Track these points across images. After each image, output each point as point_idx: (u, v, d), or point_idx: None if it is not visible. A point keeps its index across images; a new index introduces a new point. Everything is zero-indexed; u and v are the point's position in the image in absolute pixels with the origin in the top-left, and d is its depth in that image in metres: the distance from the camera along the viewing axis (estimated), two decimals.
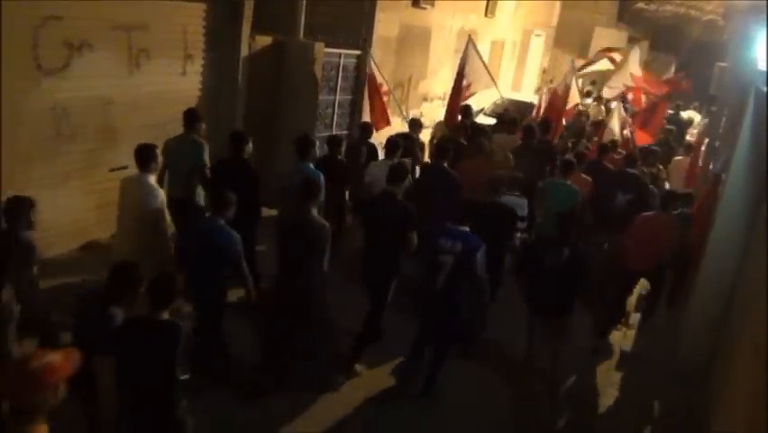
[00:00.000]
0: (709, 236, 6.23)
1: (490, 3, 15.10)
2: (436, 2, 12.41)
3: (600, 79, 15.37)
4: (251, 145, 6.01)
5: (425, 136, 9.89)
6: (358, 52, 10.09)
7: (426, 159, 9.17)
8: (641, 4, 23.59)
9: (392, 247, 5.41)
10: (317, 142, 7.07)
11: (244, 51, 8.11)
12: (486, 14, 15.06)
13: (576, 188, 6.93)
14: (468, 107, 9.85)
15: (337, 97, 9.96)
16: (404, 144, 7.34)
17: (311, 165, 6.22)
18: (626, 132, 11.54)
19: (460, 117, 9.79)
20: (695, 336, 6.24)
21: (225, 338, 5.05)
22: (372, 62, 9.78)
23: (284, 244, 5.10)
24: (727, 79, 12.50)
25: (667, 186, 9.60)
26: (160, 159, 5.24)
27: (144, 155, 5.12)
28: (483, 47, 12.14)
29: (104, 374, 3.38)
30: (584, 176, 7.46)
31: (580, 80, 14.81)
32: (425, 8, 12.07)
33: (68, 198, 6.44)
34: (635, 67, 13.24)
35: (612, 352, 6.67)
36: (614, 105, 12.85)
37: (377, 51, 10.55)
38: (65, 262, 6.33)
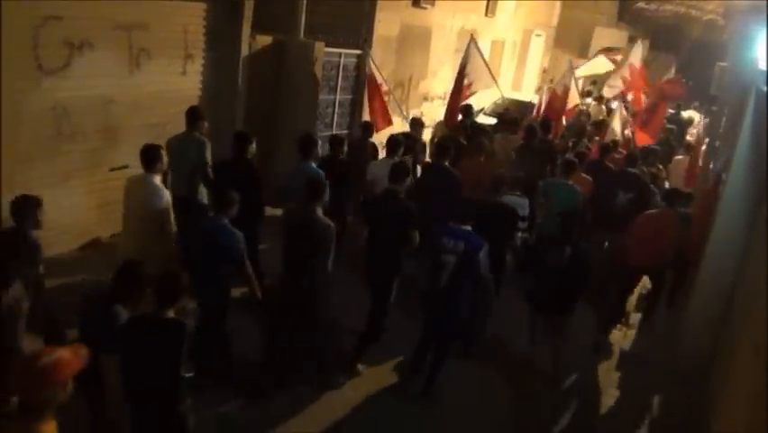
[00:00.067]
0: (710, 236, 6.24)
1: (491, 2, 15.10)
2: (437, 2, 12.41)
3: (601, 79, 15.37)
4: (254, 145, 6.02)
5: (425, 136, 9.90)
6: (358, 52, 10.09)
7: (427, 158, 9.18)
8: (641, 4, 23.58)
9: (394, 246, 5.42)
10: (320, 142, 7.08)
11: (245, 51, 8.12)
12: (486, 14, 15.06)
13: (577, 188, 6.94)
14: (469, 107, 9.86)
15: (337, 97, 9.96)
16: (405, 143, 7.35)
17: (313, 164, 6.23)
18: (626, 132, 11.56)
19: (460, 117, 9.79)
20: (695, 336, 6.24)
21: (228, 337, 5.05)
22: (372, 63, 9.79)
23: (289, 244, 5.11)
24: (728, 79, 12.48)
25: (666, 185, 9.60)
26: (166, 159, 5.23)
27: (150, 155, 5.12)
28: (483, 47, 12.14)
29: (110, 372, 3.40)
30: (584, 175, 7.47)
31: (581, 81, 14.83)
32: (425, 8, 12.07)
33: (68, 198, 6.44)
34: (636, 59, 13.17)
35: (612, 351, 6.67)
36: (615, 105, 12.85)
37: (377, 51, 10.55)
38: (66, 261, 6.33)
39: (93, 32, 6.35)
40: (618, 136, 10.83)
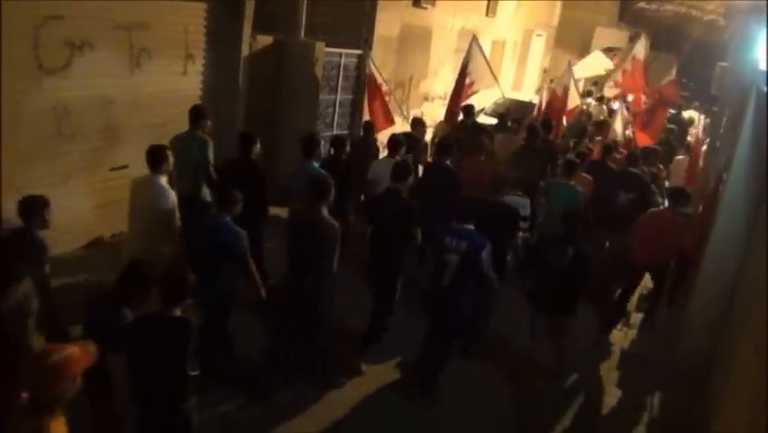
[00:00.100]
0: (710, 236, 6.24)
1: (491, 2, 15.10)
2: (437, 2, 12.41)
3: (602, 80, 15.34)
4: (259, 146, 6.04)
5: (427, 136, 9.89)
6: (359, 52, 10.10)
7: (429, 158, 9.18)
8: (642, 4, 23.57)
9: (397, 245, 5.42)
10: (322, 142, 7.10)
11: (245, 51, 8.12)
12: (487, 14, 15.07)
13: (579, 189, 6.96)
14: (470, 107, 9.86)
15: (338, 97, 9.97)
16: (407, 143, 7.36)
17: (316, 164, 6.24)
18: (628, 132, 11.57)
19: (462, 116, 9.80)
20: (695, 336, 6.25)
21: (230, 337, 5.08)
22: (372, 64, 9.80)
23: (293, 244, 5.11)
24: (728, 79, 12.49)
25: (666, 185, 9.62)
26: (172, 159, 5.24)
27: (156, 156, 5.13)
28: (484, 47, 12.14)
29: (117, 370, 3.43)
30: (585, 175, 7.48)
31: (582, 81, 14.81)
32: (425, 8, 12.07)
33: (69, 198, 6.43)
34: (640, 53, 13.06)
35: (612, 351, 6.67)
36: (616, 105, 12.84)
37: (378, 51, 10.55)
38: (67, 261, 6.33)
39: (93, 31, 6.35)
40: (619, 136, 10.84)
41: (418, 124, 9.10)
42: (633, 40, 13.65)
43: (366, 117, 9.81)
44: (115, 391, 3.51)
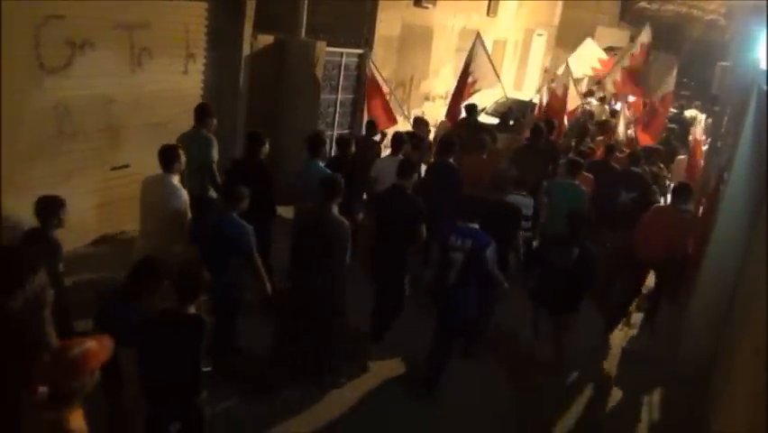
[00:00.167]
0: (711, 236, 6.24)
1: (492, 2, 15.11)
2: (438, 1, 12.42)
3: (603, 78, 15.30)
4: (267, 146, 6.05)
5: (429, 136, 9.90)
6: (360, 51, 10.10)
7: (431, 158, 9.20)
8: (643, 4, 23.58)
9: (402, 242, 5.43)
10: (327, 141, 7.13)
11: (246, 50, 8.13)
12: (488, 14, 15.07)
13: (583, 188, 6.97)
14: (473, 106, 9.87)
15: (339, 96, 9.97)
16: (411, 142, 7.38)
17: (321, 163, 6.25)
18: (629, 132, 11.58)
19: (465, 115, 9.81)
20: (696, 336, 6.24)
21: (235, 334, 5.12)
22: (373, 65, 9.79)
23: (301, 244, 5.12)
24: (729, 79, 12.45)
25: (667, 183, 9.64)
26: (184, 159, 5.26)
27: (168, 156, 5.15)
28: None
29: (128, 365, 3.47)
30: (587, 174, 7.49)
31: (585, 80, 14.79)
32: (426, 7, 12.08)
33: (70, 197, 6.36)
34: (645, 39, 12.93)
35: (612, 350, 6.67)
36: (618, 105, 12.83)
37: (379, 51, 10.55)
38: (70, 259, 6.29)
39: (94, 31, 6.35)
40: (621, 136, 10.84)
41: (421, 123, 9.11)
42: (634, 39, 13.53)
43: (366, 117, 9.83)
44: (126, 385, 3.56)
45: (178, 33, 7.39)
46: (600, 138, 10.51)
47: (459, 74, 10.71)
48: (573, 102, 11.49)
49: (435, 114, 12.63)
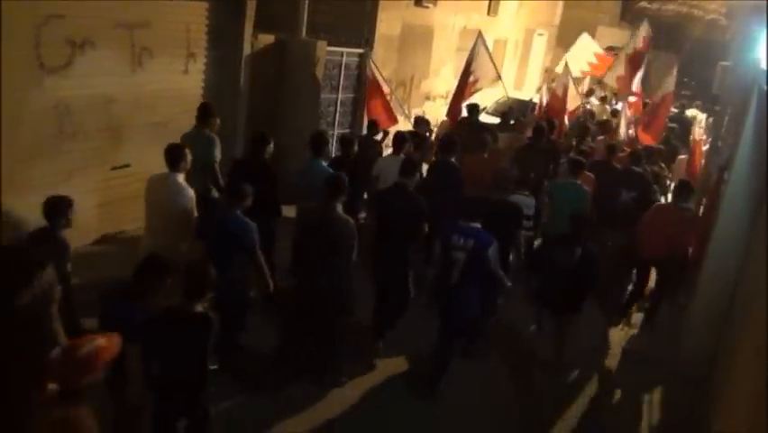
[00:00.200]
0: (712, 235, 6.24)
1: (493, 2, 15.11)
2: (438, 1, 12.42)
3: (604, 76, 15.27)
4: (272, 146, 6.07)
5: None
6: (360, 51, 10.09)
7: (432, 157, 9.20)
8: (643, 3, 23.57)
9: (403, 240, 5.44)
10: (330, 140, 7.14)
11: (247, 50, 8.13)
12: (488, 13, 15.07)
13: (586, 188, 6.98)
14: (475, 106, 9.88)
15: (339, 96, 9.96)
16: (413, 141, 7.39)
17: (324, 163, 6.25)
18: (630, 131, 11.58)
19: (465, 114, 9.81)
20: (697, 335, 6.24)
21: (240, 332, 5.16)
22: (373, 65, 9.79)
23: (305, 243, 5.12)
24: (730, 79, 12.45)
25: (668, 183, 9.64)
26: (190, 158, 5.27)
27: (174, 154, 5.17)
28: None
29: (131, 363, 3.50)
30: (588, 173, 7.49)
31: (587, 80, 14.77)
32: (427, 7, 12.07)
33: (70, 197, 6.44)
34: (645, 32, 12.86)
35: (613, 350, 6.67)
36: (620, 105, 12.81)
37: (379, 50, 10.55)
38: (72, 258, 6.34)
39: (95, 30, 6.35)
40: (622, 135, 10.84)
41: (422, 122, 9.10)
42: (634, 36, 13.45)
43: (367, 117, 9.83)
44: (130, 382, 3.59)
45: (178, 33, 7.38)
46: (601, 138, 10.50)
47: (459, 74, 10.72)
48: (573, 102, 11.50)
49: (436, 113, 12.63)
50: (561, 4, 20.38)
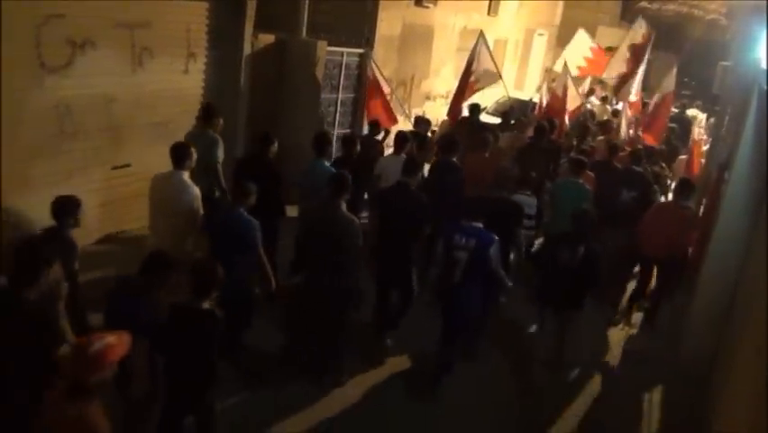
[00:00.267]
0: (712, 234, 6.24)
1: (493, 2, 15.10)
2: (439, 1, 12.42)
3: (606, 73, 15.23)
4: (276, 145, 6.11)
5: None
6: (360, 51, 10.09)
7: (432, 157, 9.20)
8: (644, 4, 23.56)
9: (406, 239, 5.44)
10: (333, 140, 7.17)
11: (247, 50, 8.13)
12: (489, 13, 15.06)
13: (588, 187, 6.99)
14: (476, 105, 9.87)
15: (339, 96, 9.96)
16: (415, 141, 7.40)
17: (326, 163, 6.26)
18: (631, 132, 11.58)
19: (468, 114, 9.81)
20: (697, 335, 6.24)
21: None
22: (374, 65, 9.77)
23: (309, 242, 5.13)
24: (730, 79, 12.43)
25: (668, 183, 9.65)
26: (195, 156, 5.29)
27: (180, 153, 5.19)
28: None
29: (137, 359, 3.51)
30: (588, 173, 7.50)
31: (588, 80, 14.75)
32: (427, 7, 12.07)
33: None
34: (642, 28, 12.81)
35: (613, 350, 6.68)
36: (620, 105, 12.80)
37: (379, 50, 10.54)
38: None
39: (95, 30, 6.36)
40: (623, 135, 10.84)
41: (422, 122, 9.10)
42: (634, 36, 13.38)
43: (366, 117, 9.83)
44: (134, 379, 3.62)
45: (178, 33, 7.39)
46: (601, 137, 10.50)
47: (459, 74, 10.71)
48: (574, 102, 11.49)
49: (436, 113, 12.63)
50: (561, 4, 20.38)
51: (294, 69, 8.88)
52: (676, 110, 15.19)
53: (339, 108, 10.01)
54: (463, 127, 9.28)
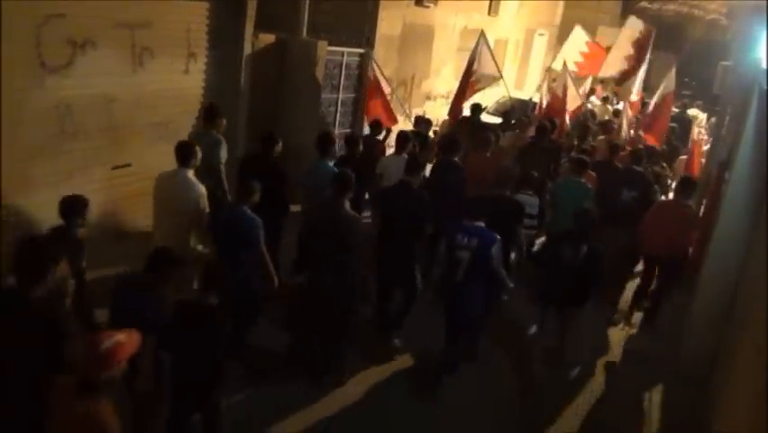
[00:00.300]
0: (713, 234, 6.24)
1: (493, 2, 15.10)
2: (439, 1, 12.41)
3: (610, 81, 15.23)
4: (280, 145, 6.14)
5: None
6: (361, 51, 10.09)
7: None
8: (644, 4, 23.55)
9: (408, 237, 5.44)
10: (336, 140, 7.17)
11: (247, 50, 8.13)
12: (489, 13, 15.06)
13: (590, 186, 7.00)
14: (478, 105, 9.87)
15: (340, 96, 9.96)
16: (417, 141, 7.40)
17: (330, 163, 6.26)
18: (632, 132, 11.58)
19: (470, 114, 9.81)
20: (697, 335, 6.25)
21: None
22: (375, 65, 9.77)
23: (313, 242, 5.13)
24: (731, 79, 12.43)
25: (669, 183, 9.65)
26: (200, 155, 5.30)
27: (185, 151, 5.21)
28: None
29: (143, 355, 3.52)
30: (590, 172, 7.51)
31: (589, 80, 14.74)
32: (427, 7, 12.07)
33: None
34: (638, 25, 12.76)
35: (613, 350, 6.68)
36: (621, 105, 12.81)
37: (380, 50, 10.54)
38: None
39: (96, 30, 6.35)
40: (624, 135, 10.84)
41: (423, 122, 9.10)
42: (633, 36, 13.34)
43: (366, 117, 9.83)
44: (139, 376, 3.63)
45: (179, 33, 7.38)
46: (602, 137, 10.50)
47: (460, 74, 10.72)
48: (574, 102, 11.49)
49: (436, 113, 12.63)
50: (561, 4, 20.38)
51: (294, 68, 8.88)
52: (677, 110, 15.19)
53: (339, 108, 10.02)
54: (464, 127, 9.29)
